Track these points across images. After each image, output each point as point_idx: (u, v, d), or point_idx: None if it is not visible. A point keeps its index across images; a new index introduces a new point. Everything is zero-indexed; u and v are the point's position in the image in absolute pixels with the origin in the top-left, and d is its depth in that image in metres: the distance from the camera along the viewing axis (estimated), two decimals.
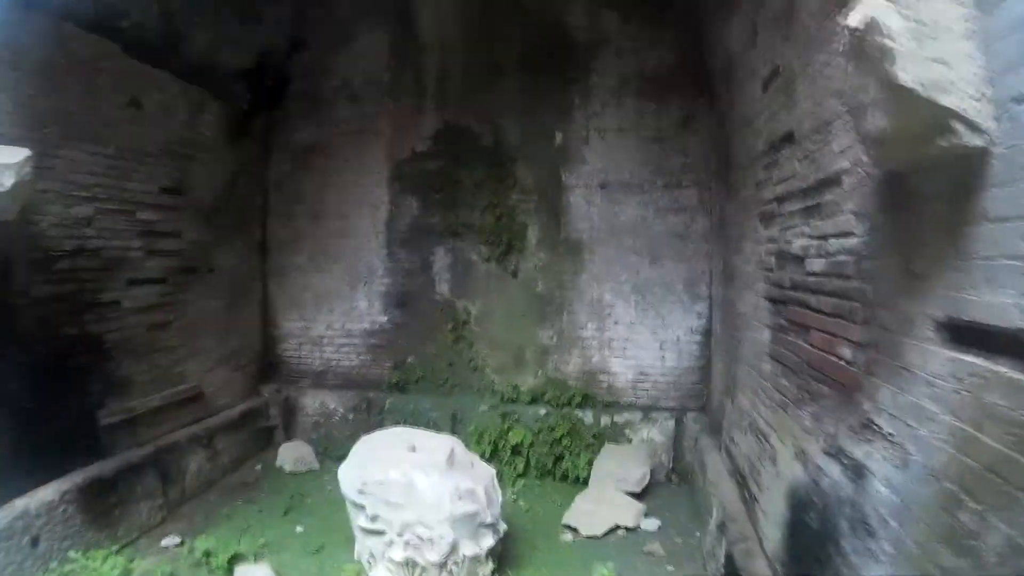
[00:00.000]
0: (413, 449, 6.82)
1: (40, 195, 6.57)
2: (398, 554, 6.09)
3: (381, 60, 10.85)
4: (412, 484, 6.15)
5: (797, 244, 5.24)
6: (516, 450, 9.43)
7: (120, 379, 8.00)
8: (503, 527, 6.58)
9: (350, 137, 11.00)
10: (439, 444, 6.95)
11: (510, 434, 9.58)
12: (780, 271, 5.73)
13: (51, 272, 7.02)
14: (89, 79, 7.30)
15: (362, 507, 6.27)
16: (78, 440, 7.31)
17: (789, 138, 5.48)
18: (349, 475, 6.51)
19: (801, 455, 4.89)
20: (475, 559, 6.19)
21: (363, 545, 6.49)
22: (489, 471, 6.88)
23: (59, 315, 7.14)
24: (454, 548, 6.02)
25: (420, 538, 6.02)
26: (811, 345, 4.88)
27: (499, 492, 6.68)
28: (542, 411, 9.96)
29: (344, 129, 11.02)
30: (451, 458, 6.63)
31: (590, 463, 9.22)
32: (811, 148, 4.91)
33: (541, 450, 9.51)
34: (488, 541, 6.30)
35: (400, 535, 6.10)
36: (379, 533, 6.22)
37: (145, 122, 8.20)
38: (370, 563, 6.40)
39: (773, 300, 5.97)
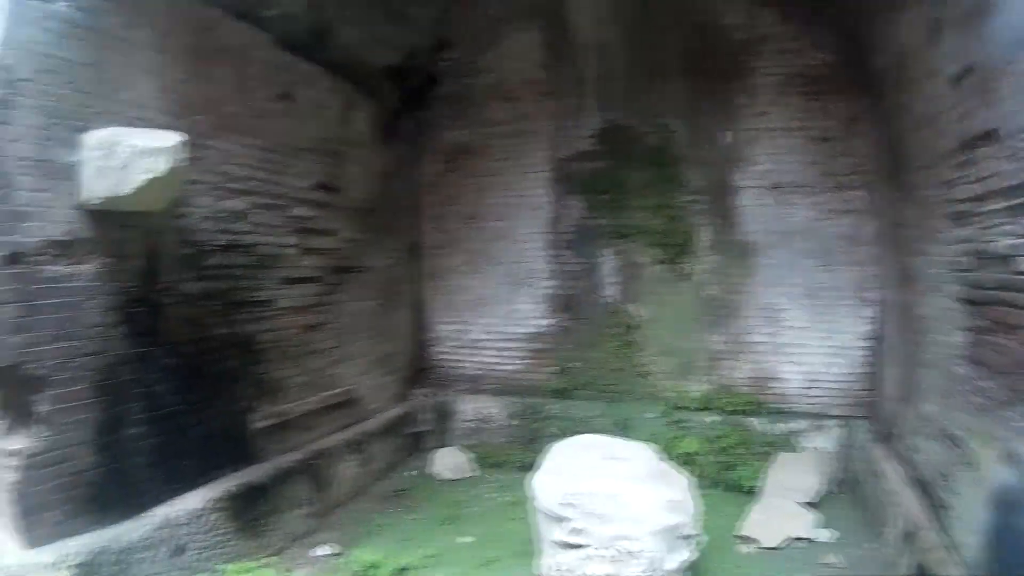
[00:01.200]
0: (611, 458, 6.38)
1: (190, 186, 6.40)
2: (598, 569, 5.59)
3: (535, 60, 10.62)
4: (619, 495, 5.76)
5: (1002, 243, 4.93)
6: (687, 459, 8.91)
7: (272, 382, 7.87)
8: (702, 538, 6.15)
9: (506, 138, 10.77)
10: (637, 453, 6.55)
11: (682, 442, 9.19)
12: (979, 272, 5.44)
13: (202, 268, 6.87)
14: (239, 68, 7.21)
15: (563, 519, 5.84)
16: (227, 446, 7.18)
17: (988, 136, 5.16)
18: (548, 486, 6.10)
19: (1009, 458, 4.63)
20: (673, 573, 5.74)
21: (554, 559, 5.95)
22: (685, 480, 6.40)
23: (210, 314, 7.00)
24: (656, 562, 5.59)
25: (624, 552, 5.57)
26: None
27: (696, 502, 6.21)
28: (712, 419, 9.55)
29: (499, 130, 10.80)
30: (654, 467, 6.26)
31: (760, 472, 8.76)
32: (1019, 146, 4.60)
33: (711, 459, 9.09)
34: (686, 553, 5.87)
35: (603, 549, 5.65)
36: (577, 547, 5.77)
37: (297, 116, 8.11)
38: None
39: (970, 301, 5.64)
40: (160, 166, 5.41)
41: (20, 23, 5.04)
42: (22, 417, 5.30)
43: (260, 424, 7.61)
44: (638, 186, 10.09)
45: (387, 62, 9.73)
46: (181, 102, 6.48)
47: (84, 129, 5.55)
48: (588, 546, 5.69)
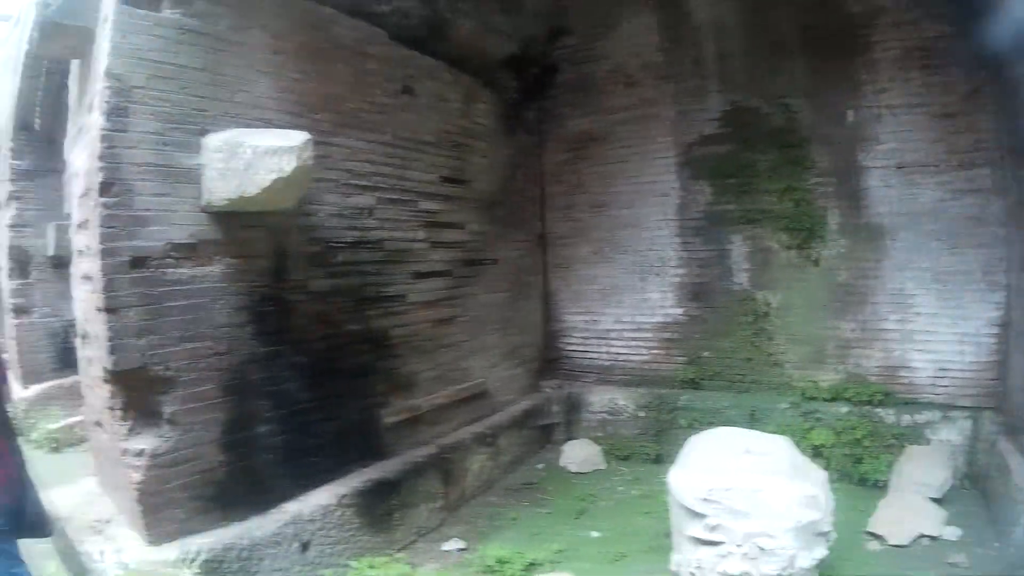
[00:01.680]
0: (749, 452, 6.14)
1: (316, 184, 6.47)
2: (734, 566, 5.48)
3: (652, 43, 10.38)
4: (759, 491, 5.56)
5: None
6: (816, 452, 8.61)
7: (404, 377, 7.95)
8: (834, 536, 5.86)
9: (629, 124, 10.60)
10: (774, 446, 6.27)
11: (812, 434, 8.85)
12: None
13: (331, 265, 6.98)
14: (357, 65, 7.24)
15: (700, 515, 5.66)
16: (358, 441, 7.26)
17: None
18: (687, 480, 5.88)
19: None
20: (808, 571, 5.55)
21: (688, 556, 5.83)
22: (822, 474, 6.14)
23: (340, 310, 7.10)
24: (792, 560, 5.42)
25: (761, 549, 5.42)
26: None
27: (830, 497, 5.94)
28: (843, 409, 9.12)
29: (622, 116, 10.65)
30: (791, 461, 6.03)
31: (890, 466, 8.41)
32: None
33: (840, 452, 8.71)
34: (821, 551, 5.63)
35: (739, 546, 5.50)
36: (713, 544, 5.62)
37: (419, 110, 8.11)
38: (693, 575, 5.77)
39: None
40: (286, 165, 5.47)
41: (128, 32, 5.18)
42: (148, 418, 5.45)
43: (391, 419, 7.67)
44: (764, 169, 9.79)
45: (505, 52, 9.70)
46: (300, 101, 6.55)
47: (203, 132, 5.67)
48: (724, 543, 5.55)
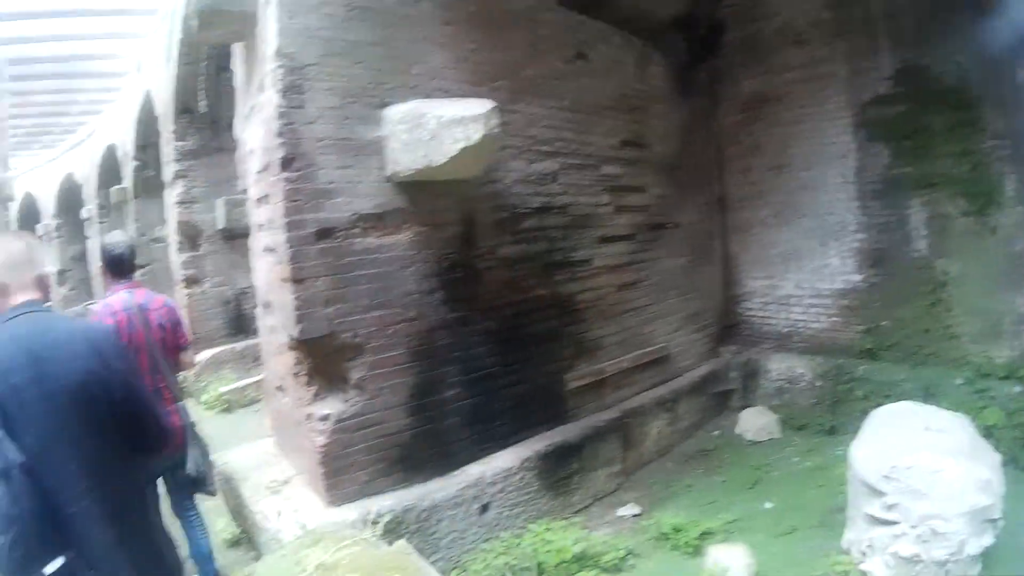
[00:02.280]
0: (930, 429, 5.90)
1: (501, 150, 6.57)
2: (907, 548, 5.29)
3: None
4: (939, 471, 5.31)
5: None
6: (988, 433, 7.78)
7: (590, 341, 8.04)
8: (1001, 523, 5.51)
9: (803, 83, 10.23)
10: (954, 424, 6.01)
11: (984, 414, 8.20)
12: None
13: (518, 232, 7.11)
14: (530, 32, 7.28)
15: (880, 493, 5.47)
16: (542, 405, 7.38)
17: None
18: (869, 456, 5.70)
19: None
20: (974, 559, 5.29)
21: (860, 534, 5.68)
22: (996, 457, 5.80)
23: (528, 276, 7.23)
24: (962, 545, 5.19)
25: (934, 532, 5.21)
26: None
27: (1002, 482, 5.58)
28: (1016, 389, 8.48)
29: (794, 75, 10.28)
30: (970, 441, 5.78)
31: None
32: None
33: (1009, 434, 8.04)
34: (989, 538, 5.34)
35: (914, 527, 5.29)
36: (889, 523, 5.43)
37: (594, 75, 8.11)
38: (864, 554, 5.62)
39: None
40: (473, 134, 5.54)
41: (295, 13, 5.40)
42: (334, 383, 5.69)
43: (575, 383, 7.76)
44: (940, 130, 9.21)
45: (671, 12, 9.54)
46: (477, 70, 6.66)
47: (382, 105, 5.84)
48: (899, 523, 5.38)
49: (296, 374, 5.76)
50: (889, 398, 7.35)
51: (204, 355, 13.29)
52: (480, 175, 6.31)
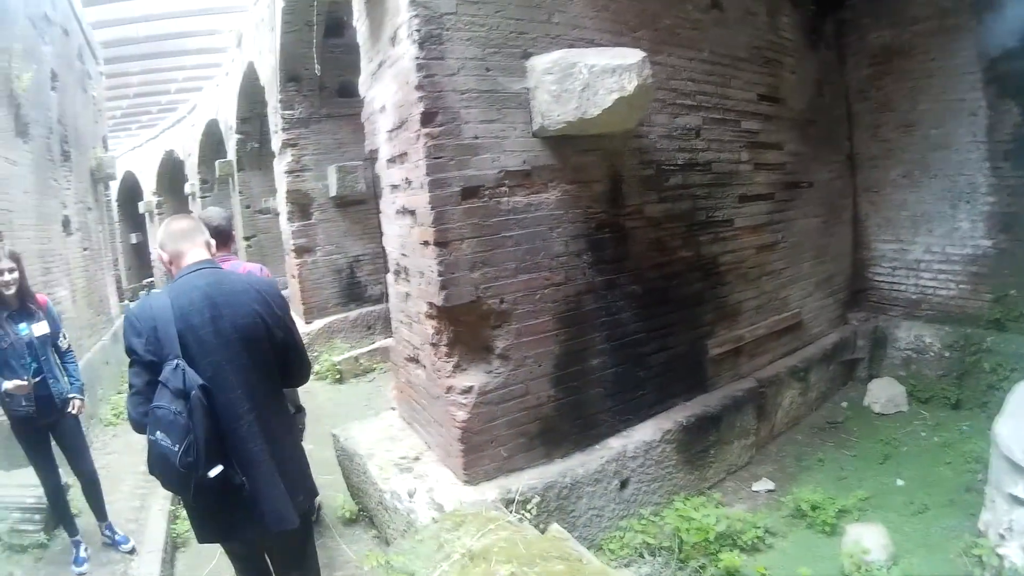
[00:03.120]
0: None
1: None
2: None
3: None
4: None
5: None
6: None
7: (730, 306, 7.61)
8: None
9: (931, 36, 9.44)
10: None
11: None
12: None
13: (663, 189, 6.66)
14: None
15: None
16: (683, 374, 6.97)
17: None
18: (1015, 432, 5.13)
19: None
20: None
21: (1000, 516, 5.13)
22: None
23: (673, 236, 6.79)
24: None
25: None
26: None
27: None
28: None
29: (922, 27, 9.49)
30: None
31: None
32: None
33: None
34: None
35: None
36: None
37: (729, 24, 7.53)
38: (1003, 537, 5.05)
39: None
40: (627, 84, 5.19)
41: None
42: (477, 353, 5.33)
43: (716, 351, 7.33)
44: None
45: None
46: (617, 19, 6.18)
47: (525, 55, 5.44)
48: None
49: (435, 344, 5.38)
50: (1017, 372, 7.06)
51: (315, 325, 13.29)
52: (631, 128, 5.90)
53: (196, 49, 18.65)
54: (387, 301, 8.53)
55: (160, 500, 7.32)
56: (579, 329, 5.86)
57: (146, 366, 3.41)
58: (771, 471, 7.40)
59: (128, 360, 3.55)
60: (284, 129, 13.34)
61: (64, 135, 11.52)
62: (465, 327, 5.23)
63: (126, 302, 16.74)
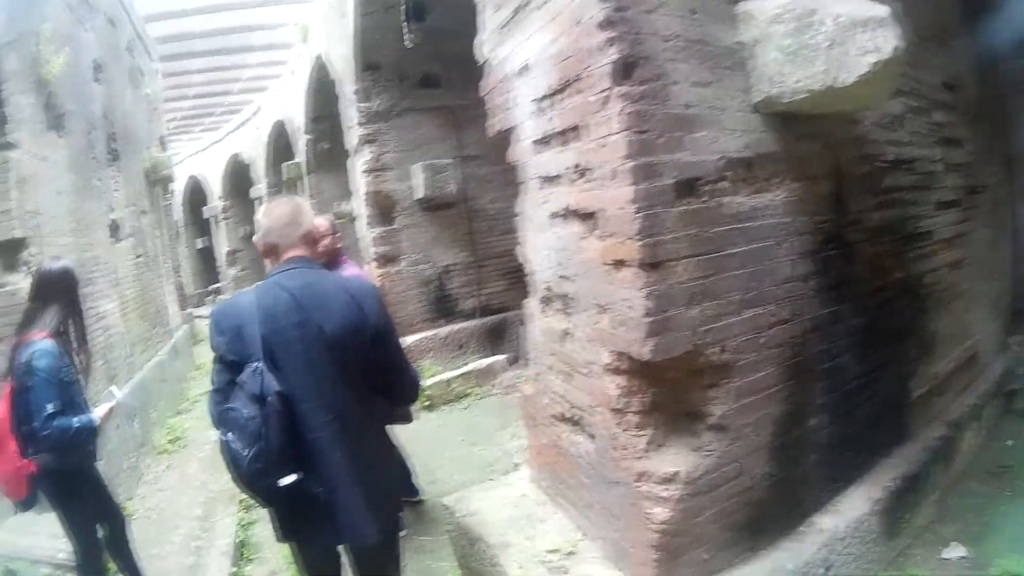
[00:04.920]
0: None
1: None
2: None
3: None
4: None
5: None
6: None
7: (929, 337, 5.81)
8: None
9: None
10: None
11: None
12: None
13: (879, 192, 4.88)
14: None
15: None
16: (888, 424, 5.18)
17: None
18: None
19: None
20: None
21: None
22: None
23: (888, 254, 5.00)
24: None
25: None
26: None
27: None
28: None
29: None
30: None
31: None
32: None
33: None
34: None
35: None
36: None
37: None
38: None
39: None
40: (883, 45, 3.44)
41: None
42: (680, 424, 3.59)
43: (918, 391, 5.60)
44: None
45: None
46: None
47: None
48: None
49: (620, 410, 3.56)
50: None
51: (401, 343, 11.44)
52: (878, 106, 4.22)
53: (260, 45, 17.11)
54: (520, 337, 6.81)
55: (218, 555, 5.79)
56: (802, 381, 4.05)
57: (228, 366, 3.21)
58: (956, 531, 5.67)
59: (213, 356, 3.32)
60: (361, 124, 11.61)
61: (111, 132, 10.21)
62: (668, 387, 3.45)
63: (189, 310, 15.51)
